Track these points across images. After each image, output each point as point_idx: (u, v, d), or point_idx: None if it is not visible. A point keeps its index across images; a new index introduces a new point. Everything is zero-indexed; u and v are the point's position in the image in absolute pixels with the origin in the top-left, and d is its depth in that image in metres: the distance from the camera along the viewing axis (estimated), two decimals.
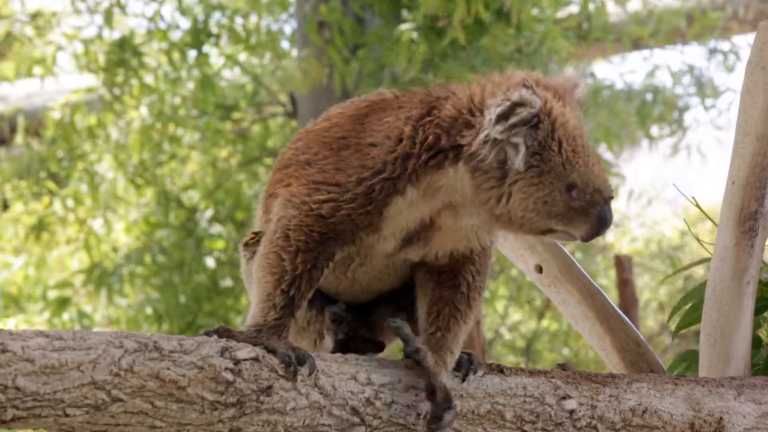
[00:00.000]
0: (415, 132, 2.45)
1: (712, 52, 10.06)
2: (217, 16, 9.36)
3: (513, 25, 7.48)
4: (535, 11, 7.58)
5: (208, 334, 2.29)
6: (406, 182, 2.44)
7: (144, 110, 9.53)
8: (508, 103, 2.38)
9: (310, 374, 2.29)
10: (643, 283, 12.00)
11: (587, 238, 2.48)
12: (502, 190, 2.42)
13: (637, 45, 9.71)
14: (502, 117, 2.38)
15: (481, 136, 2.38)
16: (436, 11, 7.29)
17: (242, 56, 9.71)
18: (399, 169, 2.44)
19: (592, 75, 9.44)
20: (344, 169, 2.46)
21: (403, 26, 7.50)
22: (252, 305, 2.45)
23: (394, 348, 2.52)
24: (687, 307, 2.92)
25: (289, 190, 2.49)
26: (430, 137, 2.45)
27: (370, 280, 2.60)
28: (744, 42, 10.23)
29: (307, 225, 2.43)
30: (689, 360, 2.91)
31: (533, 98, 2.38)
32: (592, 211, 2.44)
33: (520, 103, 2.38)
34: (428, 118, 2.47)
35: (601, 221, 2.45)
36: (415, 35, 7.49)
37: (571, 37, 7.93)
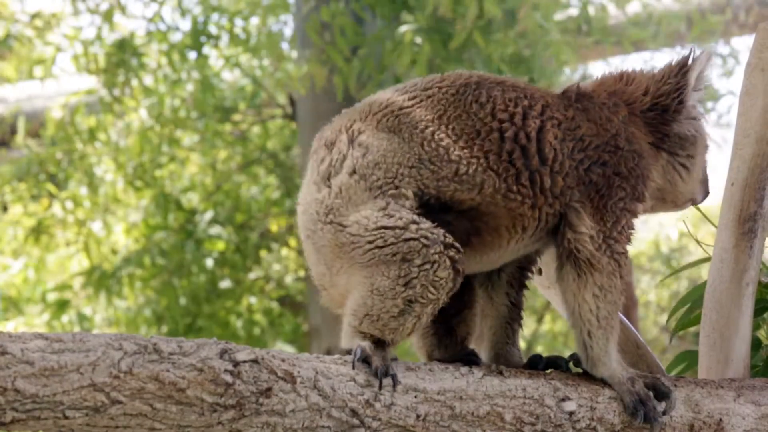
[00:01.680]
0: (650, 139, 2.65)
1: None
2: (216, 17, 9.36)
3: (517, 31, 7.47)
4: (538, 17, 7.58)
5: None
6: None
7: (143, 112, 9.53)
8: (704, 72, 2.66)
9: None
10: (643, 284, 11.99)
11: (703, 200, 2.76)
12: (690, 163, 2.65)
13: (637, 47, 9.71)
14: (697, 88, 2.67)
15: (692, 110, 2.64)
16: (445, 10, 7.27)
17: (242, 58, 9.71)
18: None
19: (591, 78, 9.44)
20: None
21: (406, 27, 7.48)
22: (615, 347, 2.52)
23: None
24: (685, 308, 2.92)
25: None
26: (652, 139, 2.64)
27: None
28: (743, 45, 10.24)
29: None
30: (688, 360, 2.91)
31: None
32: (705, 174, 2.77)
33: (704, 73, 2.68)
34: (634, 120, 2.62)
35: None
36: (418, 38, 7.48)
37: (572, 44, 7.93)
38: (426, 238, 2.34)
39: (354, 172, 2.41)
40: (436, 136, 2.43)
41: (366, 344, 2.35)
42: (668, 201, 2.71)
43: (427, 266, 2.34)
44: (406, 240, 2.34)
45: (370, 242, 2.36)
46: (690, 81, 2.63)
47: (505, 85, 2.52)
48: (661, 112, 2.63)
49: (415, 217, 2.37)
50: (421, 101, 2.48)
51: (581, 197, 2.50)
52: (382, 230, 2.35)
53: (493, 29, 7.43)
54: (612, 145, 2.52)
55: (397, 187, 2.39)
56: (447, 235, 2.37)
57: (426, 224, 2.36)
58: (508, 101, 2.48)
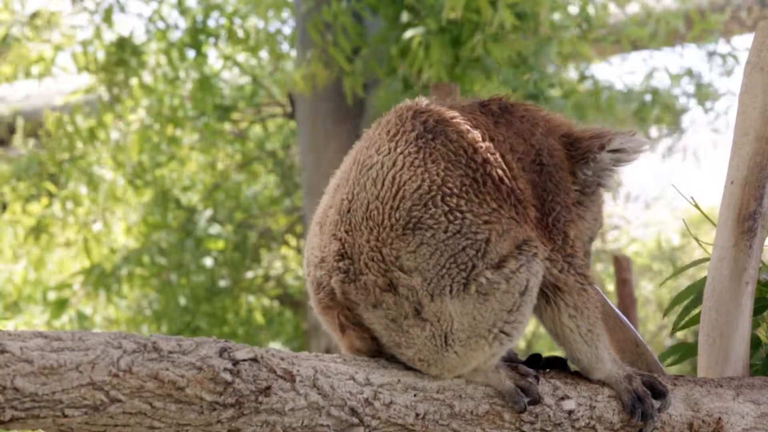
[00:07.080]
0: None
1: (711, 54, 10.07)
2: (215, 16, 9.36)
3: (532, 31, 7.45)
4: (555, 17, 7.56)
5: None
6: None
7: (143, 111, 9.54)
8: None
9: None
10: (643, 285, 11.99)
11: None
12: (583, 212, 2.56)
13: (636, 46, 9.72)
14: None
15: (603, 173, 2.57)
16: (457, 14, 7.23)
17: (241, 57, 9.71)
18: None
19: (591, 77, 9.45)
20: None
21: (414, 30, 7.45)
22: (607, 349, 2.49)
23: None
24: (686, 302, 2.92)
25: None
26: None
27: None
28: (743, 45, 10.24)
29: None
30: (682, 351, 2.92)
31: None
32: None
33: None
34: (552, 133, 2.65)
35: None
36: (426, 38, 7.46)
37: (577, 41, 7.93)
38: (524, 267, 2.35)
39: (432, 295, 2.32)
40: (449, 203, 2.32)
41: (511, 374, 2.41)
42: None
43: (535, 280, 2.38)
44: (520, 283, 2.35)
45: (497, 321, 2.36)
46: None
47: (447, 119, 2.39)
48: (573, 145, 2.53)
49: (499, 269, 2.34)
50: (405, 173, 2.34)
51: None
52: (495, 312, 2.35)
53: (503, 35, 7.40)
54: (537, 163, 2.44)
55: (467, 278, 2.32)
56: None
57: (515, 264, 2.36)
58: (470, 137, 2.37)
